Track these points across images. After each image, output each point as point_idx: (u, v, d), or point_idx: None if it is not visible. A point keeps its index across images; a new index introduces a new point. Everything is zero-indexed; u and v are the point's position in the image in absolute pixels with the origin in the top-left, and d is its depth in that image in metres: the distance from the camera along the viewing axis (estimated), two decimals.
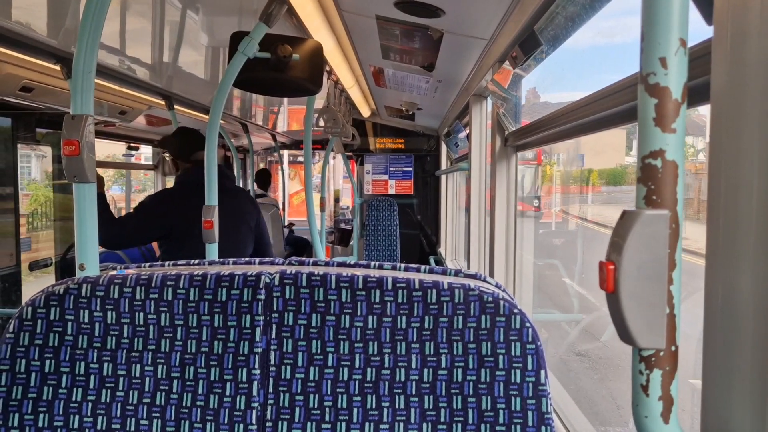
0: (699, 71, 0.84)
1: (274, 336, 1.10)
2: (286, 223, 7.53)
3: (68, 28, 2.32)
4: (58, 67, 2.58)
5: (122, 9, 2.32)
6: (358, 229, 6.12)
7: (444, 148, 5.67)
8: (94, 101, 3.64)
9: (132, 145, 5.38)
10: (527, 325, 1.08)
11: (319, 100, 3.86)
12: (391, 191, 6.59)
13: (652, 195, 0.64)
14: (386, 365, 1.10)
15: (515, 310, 1.08)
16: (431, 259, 5.98)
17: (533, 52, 1.51)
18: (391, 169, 6.58)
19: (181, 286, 1.11)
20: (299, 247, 6.59)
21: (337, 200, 9.78)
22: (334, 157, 7.48)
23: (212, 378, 1.11)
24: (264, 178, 6.97)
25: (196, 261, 1.27)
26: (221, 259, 1.28)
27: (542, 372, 1.09)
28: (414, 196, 6.61)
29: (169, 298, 1.11)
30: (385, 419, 1.09)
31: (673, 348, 0.65)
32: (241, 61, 2.01)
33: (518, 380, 1.07)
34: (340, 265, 1.26)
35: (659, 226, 0.63)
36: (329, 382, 1.09)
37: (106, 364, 1.11)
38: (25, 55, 2.49)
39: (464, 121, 3.76)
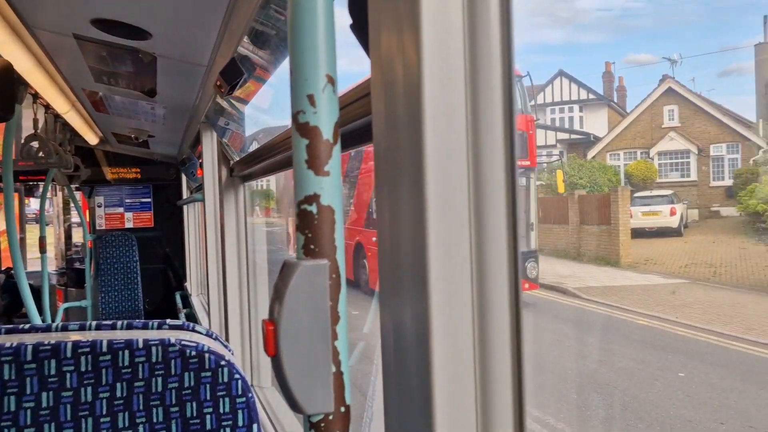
0: (368, 109, 0.83)
1: None
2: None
3: None
4: None
5: None
6: (89, 269, 5.48)
7: (184, 178, 5.37)
8: None
9: None
10: (236, 376, 1.00)
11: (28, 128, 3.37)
12: (129, 225, 6.04)
13: (310, 244, 0.58)
14: None
15: (222, 362, 0.99)
16: (177, 295, 5.60)
17: (237, 81, 1.44)
18: (128, 200, 6.03)
19: None
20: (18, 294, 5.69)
21: (69, 237, 8.72)
22: (61, 190, 6.65)
23: None
24: None
25: None
26: None
27: (254, 426, 1.02)
28: (156, 229, 6.14)
29: None
30: None
31: (342, 409, 0.59)
32: None
33: None
34: (10, 331, 1.05)
35: (319, 277, 0.58)
36: None
37: None
38: None
39: (198, 150, 3.58)
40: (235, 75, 1.41)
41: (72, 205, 7.28)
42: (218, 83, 1.45)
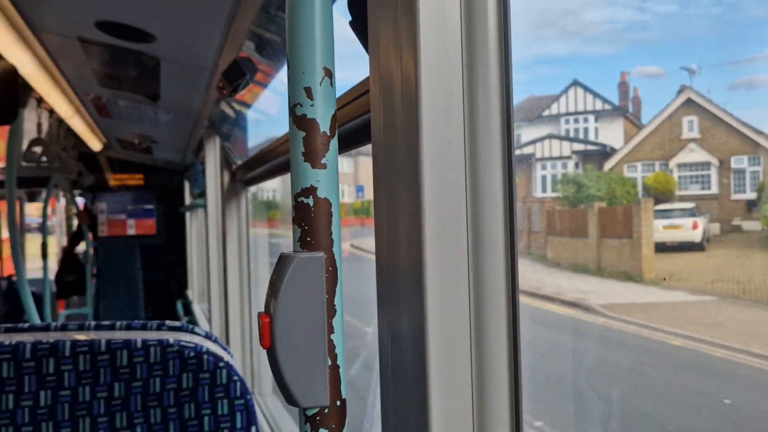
0: (366, 107, 0.83)
1: None
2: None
3: None
4: None
5: None
6: (90, 275, 5.47)
7: (188, 184, 5.39)
8: None
9: None
10: (235, 378, 1.00)
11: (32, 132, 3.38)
12: (131, 231, 6.03)
13: (307, 236, 0.58)
14: None
15: (221, 364, 0.99)
16: (179, 303, 5.60)
17: (239, 82, 1.44)
18: (130, 207, 6.02)
19: None
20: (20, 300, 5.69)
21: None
22: (65, 195, 6.65)
23: None
24: None
25: None
26: None
27: (253, 428, 1.01)
28: (158, 236, 6.14)
29: None
30: None
31: (338, 403, 0.59)
32: None
33: None
34: (9, 330, 1.05)
35: (314, 270, 0.57)
36: None
37: None
38: None
39: (201, 155, 3.59)
40: (237, 76, 1.42)
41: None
42: (220, 84, 1.46)
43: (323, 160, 0.58)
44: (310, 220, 0.58)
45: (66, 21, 1.88)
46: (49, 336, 1.00)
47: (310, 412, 0.58)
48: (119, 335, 1.01)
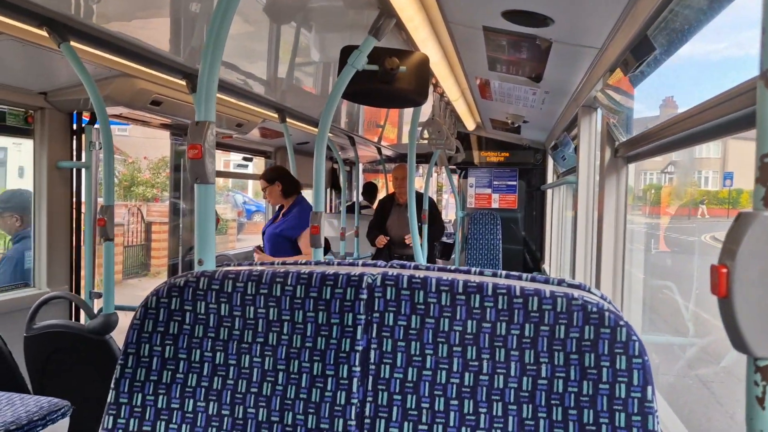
0: None
1: (374, 335, 1.12)
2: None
3: (193, 47, 2.51)
4: (183, 82, 2.78)
5: (241, 29, 2.47)
6: (459, 243, 6.09)
7: (551, 162, 5.54)
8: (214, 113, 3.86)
9: (247, 156, 5.68)
10: (634, 338, 1.04)
11: (424, 114, 3.90)
12: (494, 205, 6.51)
13: None
14: (484, 371, 1.09)
15: (621, 322, 1.04)
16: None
17: (646, 58, 1.45)
18: (495, 182, 6.50)
19: (289, 283, 1.16)
20: (405, 258, 6.66)
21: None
22: (437, 170, 7.49)
23: (315, 372, 1.14)
24: (371, 191, 7.11)
25: (303, 261, 1.33)
26: (326, 261, 1.33)
27: (649, 388, 1.05)
28: (518, 210, 6.49)
29: (278, 294, 1.16)
30: (482, 425, 1.08)
31: None
32: (350, 73, 2.08)
33: (623, 395, 1.03)
34: (441, 269, 1.27)
35: None
36: (427, 383, 1.09)
37: (218, 353, 1.18)
38: (155, 71, 2.71)
39: (572, 133, 3.66)
40: (646, 51, 1.43)
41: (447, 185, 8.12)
42: (625, 60, 1.50)
43: None
44: None
45: (476, 12, 2.13)
46: (472, 277, 1.17)
47: (761, 363, 0.61)
48: (526, 284, 1.13)
